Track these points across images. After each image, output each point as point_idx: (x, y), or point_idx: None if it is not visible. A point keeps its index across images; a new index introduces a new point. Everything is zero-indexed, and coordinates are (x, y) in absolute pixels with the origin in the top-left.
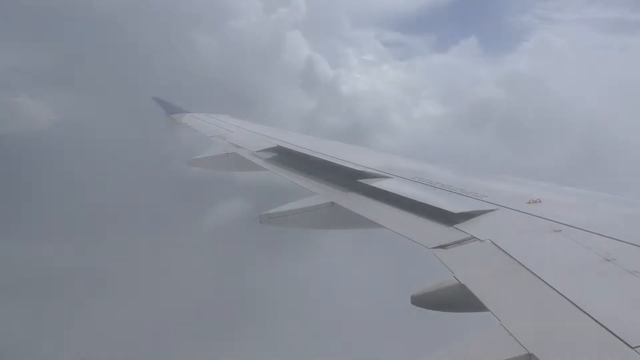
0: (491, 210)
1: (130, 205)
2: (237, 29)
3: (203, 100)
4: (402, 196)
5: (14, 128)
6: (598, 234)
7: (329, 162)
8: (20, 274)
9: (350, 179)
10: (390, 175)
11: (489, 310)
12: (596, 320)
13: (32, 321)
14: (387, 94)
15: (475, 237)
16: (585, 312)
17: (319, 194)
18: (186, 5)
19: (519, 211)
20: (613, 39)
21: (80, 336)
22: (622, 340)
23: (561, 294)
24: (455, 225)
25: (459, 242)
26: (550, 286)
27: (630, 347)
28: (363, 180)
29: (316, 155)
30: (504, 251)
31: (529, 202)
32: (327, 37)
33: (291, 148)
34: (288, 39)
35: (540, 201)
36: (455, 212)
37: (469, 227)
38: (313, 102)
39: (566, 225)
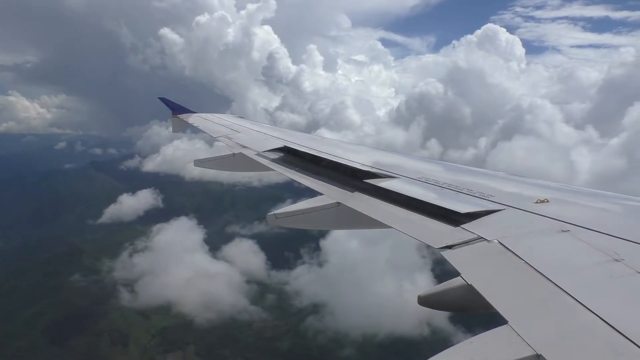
0: (498, 210)
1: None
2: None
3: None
4: (409, 196)
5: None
6: (607, 234)
7: (335, 162)
8: None
9: (356, 179)
10: (397, 175)
11: (496, 311)
12: (605, 321)
13: None
14: (361, 93)
15: (483, 238)
16: (594, 313)
17: (325, 194)
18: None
19: (527, 211)
20: (587, 37)
21: None
22: (631, 341)
23: (569, 295)
24: (462, 226)
25: (466, 243)
26: (559, 286)
27: None
28: (369, 180)
29: (322, 155)
30: (511, 251)
31: (537, 202)
32: (315, 37)
33: (297, 148)
34: (284, 41)
35: (547, 201)
36: (462, 212)
37: (476, 227)
38: (278, 98)
39: (574, 225)
